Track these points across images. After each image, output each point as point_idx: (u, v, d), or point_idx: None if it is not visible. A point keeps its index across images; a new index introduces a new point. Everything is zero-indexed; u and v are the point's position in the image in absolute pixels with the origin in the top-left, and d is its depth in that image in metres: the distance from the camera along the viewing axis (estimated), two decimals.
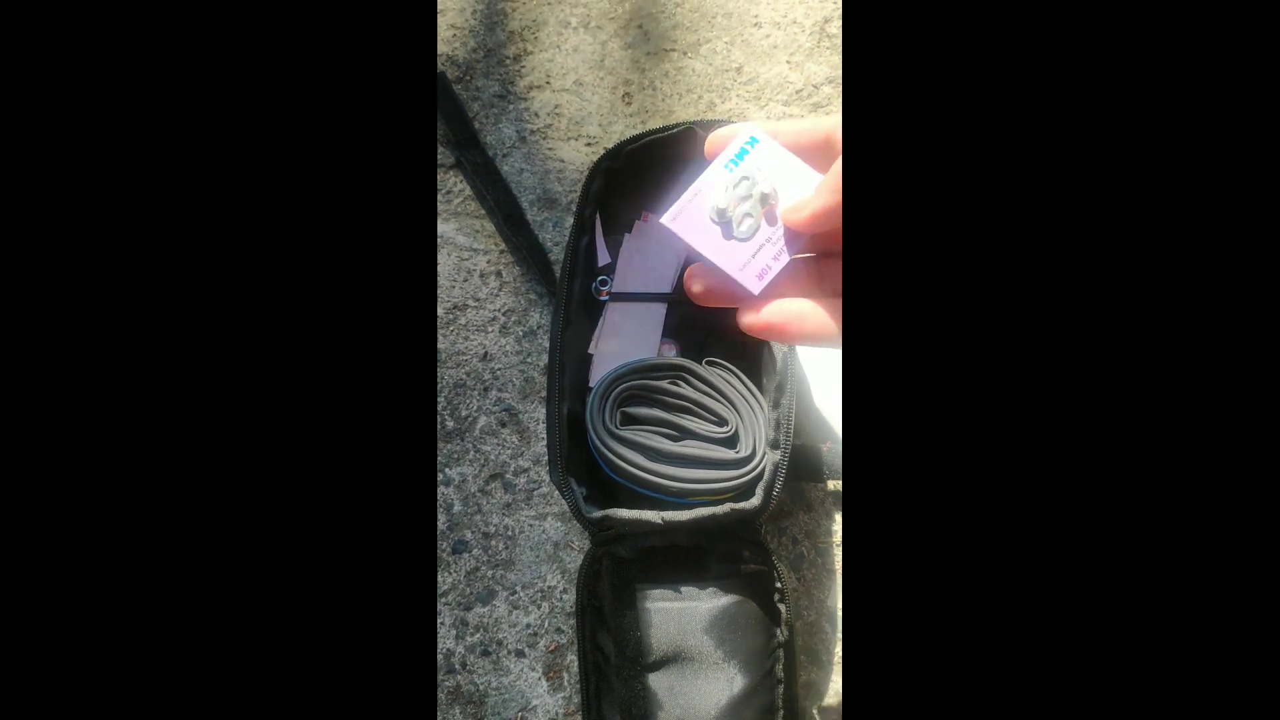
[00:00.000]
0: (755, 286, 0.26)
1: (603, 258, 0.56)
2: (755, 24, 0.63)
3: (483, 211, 0.61)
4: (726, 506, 0.46)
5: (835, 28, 0.63)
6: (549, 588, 0.56)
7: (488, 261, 0.61)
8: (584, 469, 0.51)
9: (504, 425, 0.59)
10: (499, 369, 0.59)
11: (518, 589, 0.57)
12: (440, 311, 0.60)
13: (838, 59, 0.63)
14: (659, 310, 0.56)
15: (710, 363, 0.52)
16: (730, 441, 0.50)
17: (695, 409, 0.51)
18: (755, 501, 0.46)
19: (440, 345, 0.60)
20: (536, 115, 0.63)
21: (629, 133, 0.62)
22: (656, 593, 0.48)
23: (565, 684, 0.55)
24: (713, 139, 0.28)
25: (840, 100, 0.62)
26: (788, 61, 0.63)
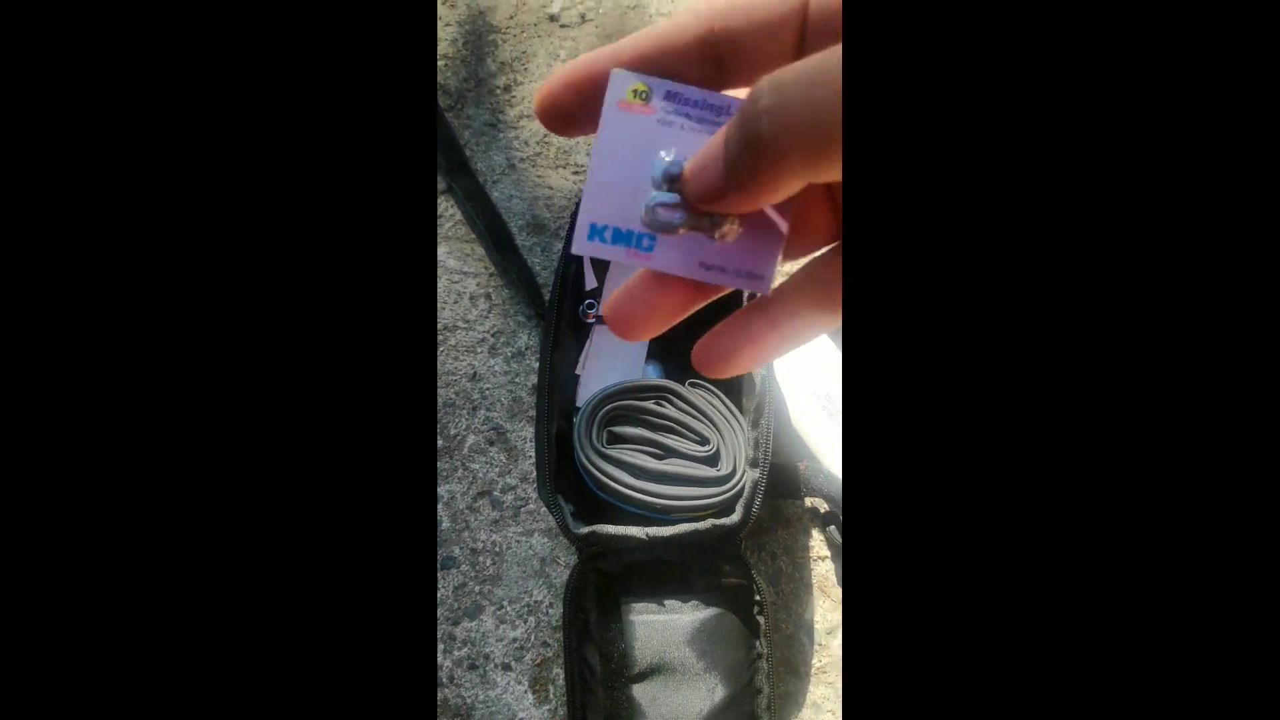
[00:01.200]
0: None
1: (590, 282, 0.58)
2: None
3: (473, 236, 0.63)
4: (708, 522, 0.48)
5: None
6: (535, 602, 0.58)
7: (477, 284, 0.63)
8: (571, 486, 0.52)
9: (492, 444, 0.60)
10: (487, 389, 0.61)
11: (505, 604, 0.58)
12: None
13: None
14: None
15: (693, 384, 0.54)
16: (712, 460, 0.52)
17: (678, 428, 0.53)
18: (736, 517, 0.48)
19: None
20: (526, 144, 0.65)
21: None
22: (641, 606, 0.50)
23: (551, 696, 0.56)
24: (546, 90, 0.20)
25: None
26: None
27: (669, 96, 0.20)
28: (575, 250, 0.20)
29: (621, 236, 0.20)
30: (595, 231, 0.20)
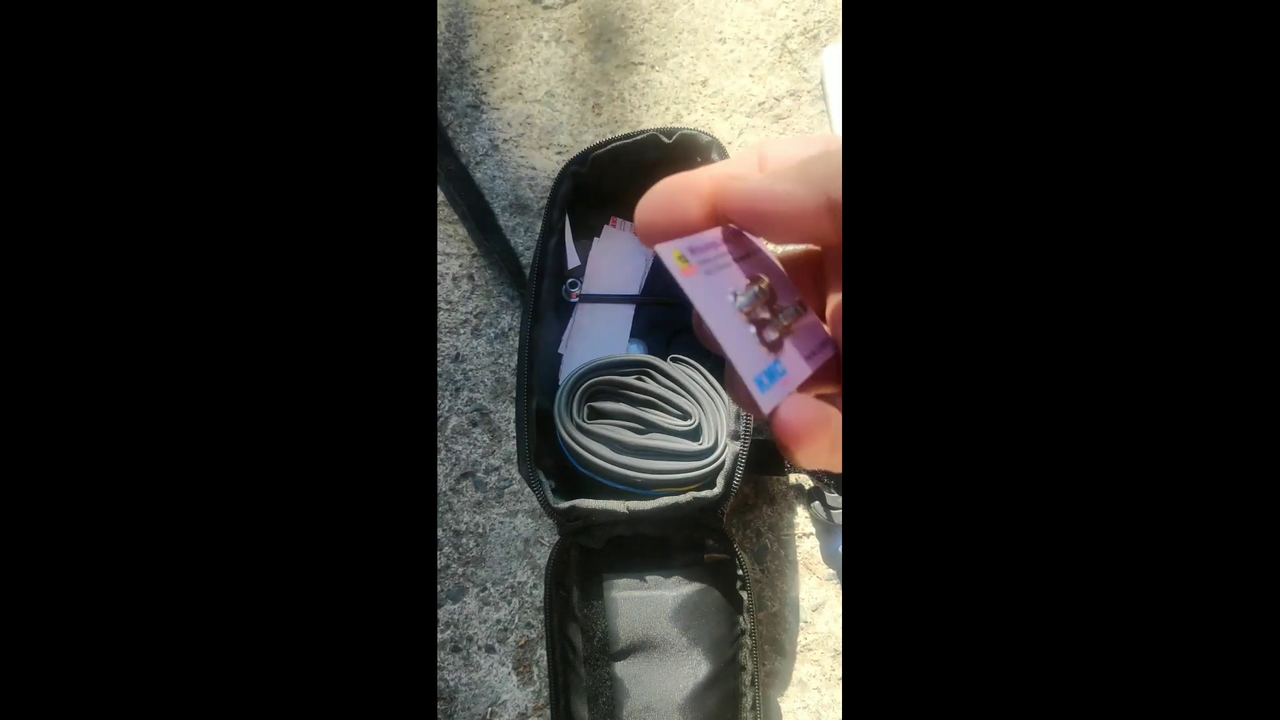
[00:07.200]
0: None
1: (572, 260, 0.58)
2: (720, 40, 0.66)
3: (455, 217, 0.63)
4: (689, 496, 0.48)
5: (795, 44, 0.66)
6: (519, 583, 0.57)
7: (460, 265, 0.62)
8: (552, 462, 0.52)
9: (475, 425, 0.60)
10: (470, 370, 0.61)
11: (488, 585, 0.57)
12: None
13: (798, 73, 0.65)
14: (627, 311, 0.58)
15: (674, 359, 0.54)
16: (693, 434, 0.51)
17: (659, 403, 0.52)
18: (717, 490, 0.48)
19: None
20: (509, 125, 0.65)
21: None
22: (623, 582, 0.50)
23: (535, 678, 0.56)
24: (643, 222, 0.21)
25: (796, 114, 0.65)
26: (750, 75, 0.65)
27: (692, 251, 0.20)
28: (766, 410, 0.20)
29: (772, 373, 0.20)
30: (763, 384, 0.20)
